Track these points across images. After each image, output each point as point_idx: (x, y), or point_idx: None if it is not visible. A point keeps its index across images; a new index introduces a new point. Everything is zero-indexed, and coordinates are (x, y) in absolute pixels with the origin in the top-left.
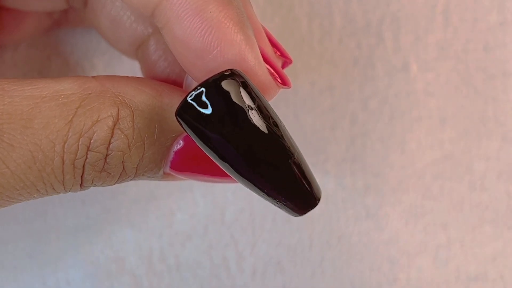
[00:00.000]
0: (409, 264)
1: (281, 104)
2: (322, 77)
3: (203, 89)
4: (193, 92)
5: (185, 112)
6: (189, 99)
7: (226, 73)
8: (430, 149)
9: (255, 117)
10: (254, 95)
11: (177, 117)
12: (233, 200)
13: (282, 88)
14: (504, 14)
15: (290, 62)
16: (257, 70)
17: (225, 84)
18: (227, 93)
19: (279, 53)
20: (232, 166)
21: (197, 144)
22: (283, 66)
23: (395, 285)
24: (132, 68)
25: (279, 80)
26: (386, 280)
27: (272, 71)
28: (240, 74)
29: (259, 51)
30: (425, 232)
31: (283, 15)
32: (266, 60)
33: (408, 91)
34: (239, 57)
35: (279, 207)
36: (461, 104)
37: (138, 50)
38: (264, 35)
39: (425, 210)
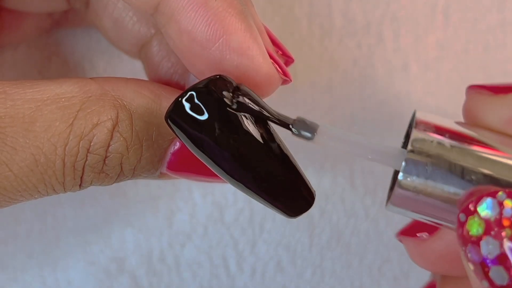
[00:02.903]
0: (410, 264)
1: (281, 104)
2: (322, 77)
3: (192, 92)
4: (181, 96)
5: (175, 115)
6: (177, 103)
7: (214, 78)
8: None
9: (244, 120)
10: (243, 98)
11: (166, 120)
12: (233, 200)
13: (284, 79)
14: (504, 14)
15: (292, 61)
16: (261, 59)
17: (214, 88)
18: (215, 97)
19: (280, 52)
20: (221, 168)
21: (187, 146)
22: (284, 65)
23: (396, 285)
24: (132, 68)
25: (281, 72)
26: (386, 280)
27: (274, 63)
28: (229, 79)
29: (262, 41)
30: None
31: (283, 15)
32: (268, 53)
33: (408, 91)
34: (244, 46)
35: (273, 210)
36: (461, 104)
37: (141, 51)
38: (265, 33)
39: None
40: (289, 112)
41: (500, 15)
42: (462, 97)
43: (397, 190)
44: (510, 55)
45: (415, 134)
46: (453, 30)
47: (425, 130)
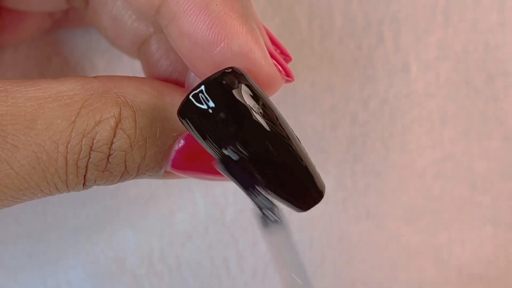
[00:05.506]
0: (410, 264)
1: (281, 104)
2: (322, 78)
3: (205, 86)
4: (194, 90)
5: (187, 111)
6: (191, 98)
7: (227, 71)
8: (430, 149)
9: (256, 113)
10: (255, 92)
11: (179, 116)
12: (233, 201)
13: (287, 79)
14: (504, 14)
15: (290, 59)
16: (263, 62)
17: (227, 82)
18: (228, 91)
19: (279, 51)
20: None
21: (198, 141)
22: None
23: (396, 285)
24: (132, 67)
25: (283, 73)
26: (386, 280)
27: (276, 64)
28: (241, 72)
29: (263, 43)
30: (425, 232)
31: (283, 15)
32: (269, 53)
33: (408, 91)
34: (245, 49)
35: (283, 204)
36: (461, 104)
37: (139, 49)
38: (265, 33)
39: (425, 210)
40: (289, 112)
41: (500, 15)
42: (462, 97)
43: None
44: (510, 55)
45: None
46: (453, 30)
47: None
